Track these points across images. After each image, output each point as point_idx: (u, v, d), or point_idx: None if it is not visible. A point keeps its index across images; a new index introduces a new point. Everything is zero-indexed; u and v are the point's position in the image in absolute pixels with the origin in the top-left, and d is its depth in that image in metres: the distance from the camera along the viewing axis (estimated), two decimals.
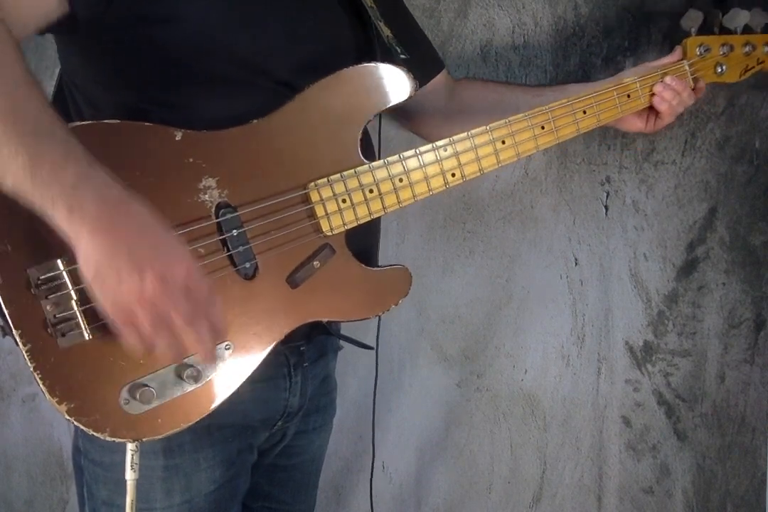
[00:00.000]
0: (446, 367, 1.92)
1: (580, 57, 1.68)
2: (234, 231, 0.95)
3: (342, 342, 1.25)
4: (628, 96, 1.22)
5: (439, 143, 1.08)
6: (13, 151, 0.78)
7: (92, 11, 0.92)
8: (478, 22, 1.78)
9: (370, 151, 1.07)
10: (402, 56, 1.13)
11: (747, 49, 1.32)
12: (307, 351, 1.15)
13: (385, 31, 1.14)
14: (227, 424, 1.03)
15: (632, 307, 1.71)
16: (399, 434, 1.99)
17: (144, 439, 0.91)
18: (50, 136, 0.81)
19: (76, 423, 0.87)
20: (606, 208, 1.71)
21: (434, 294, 1.90)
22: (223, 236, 0.94)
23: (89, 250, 0.79)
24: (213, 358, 0.86)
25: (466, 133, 1.09)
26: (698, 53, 1.29)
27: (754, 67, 1.35)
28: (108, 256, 0.79)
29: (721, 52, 1.31)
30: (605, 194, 1.71)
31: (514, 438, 1.87)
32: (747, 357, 1.62)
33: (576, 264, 1.75)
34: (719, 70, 1.31)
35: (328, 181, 1.01)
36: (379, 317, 1.19)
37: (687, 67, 1.27)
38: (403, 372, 1.97)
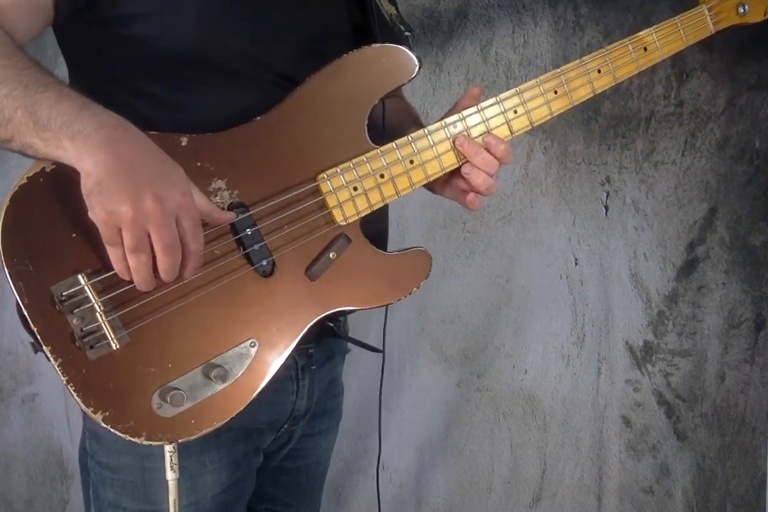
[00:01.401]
0: (446, 367, 1.92)
1: (580, 57, 1.67)
2: (248, 230, 0.95)
3: (349, 345, 1.24)
4: (645, 49, 1.14)
5: (449, 120, 1.04)
6: (11, 109, 0.82)
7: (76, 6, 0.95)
8: (478, 22, 1.78)
9: (378, 135, 1.06)
10: (406, 34, 1.11)
11: None
12: (315, 353, 1.14)
13: (389, 10, 1.12)
14: (234, 426, 1.03)
15: (632, 307, 1.71)
16: (399, 434, 1.99)
17: (180, 440, 0.92)
18: (38, 84, 0.84)
19: (112, 430, 0.88)
20: (606, 208, 1.71)
21: (434, 294, 1.90)
22: (238, 236, 0.94)
23: (91, 166, 0.80)
24: (174, 274, 0.85)
25: (475, 107, 1.05)
26: None
27: None
28: (109, 171, 0.80)
29: None
30: (605, 194, 1.71)
31: (514, 438, 1.87)
32: (747, 357, 1.62)
33: (576, 264, 1.76)
34: (741, 10, 1.23)
35: (338, 170, 1.00)
36: (385, 320, 1.19)
37: (706, 12, 1.20)
38: (403, 372, 1.97)
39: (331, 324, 1.09)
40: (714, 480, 1.67)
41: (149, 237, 0.81)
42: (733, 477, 1.66)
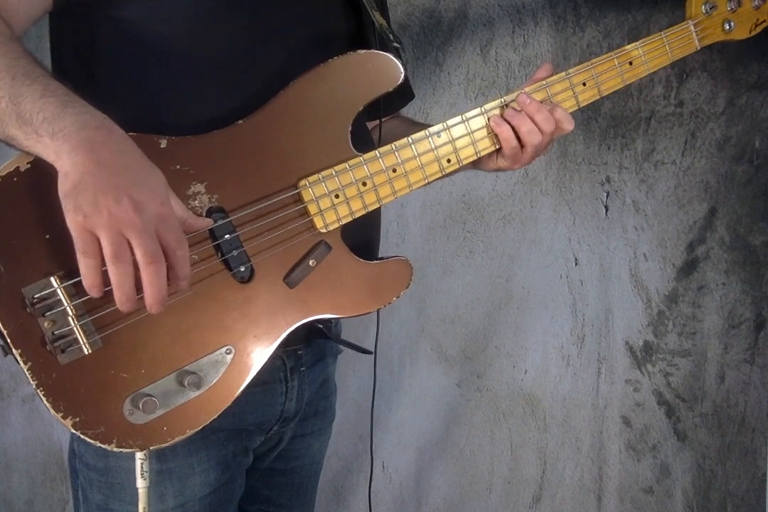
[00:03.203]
0: (446, 367, 1.92)
1: (580, 57, 1.68)
2: (227, 235, 0.93)
3: (341, 346, 1.24)
4: (630, 63, 1.14)
5: (433, 129, 1.03)
6: None
7: None
8: (478, 22, 1.78)
9: (363, 143, 1.05)
10: (395, 45, 1.10)
11: (756, 2, 1.25)
12: (304, 354, 1.14)
13: (379, 20, 1.12)
14: (222, 428, 1.02)
15: (632, 307, 1.71)
16: (399, 434, 1.99)
17: (151, 448, 0.91)
18: (26, 76, 0.83)
19: (82, 436, 0.87)
20: (606, 208, 1.71)
21: (434, 294, 1.90)
22: (217, 242, 0.93)
23: (68, 166, 0.78)
24: (160, 303, 0.82)
25: (460, 117, 1.05)
26: (704, 11, 1.20)
27: (765, 21, 1.27)
28: (87, 173, 0.78)
29: (729, 8, 1.23)
30: (605, 194, 1.71)
31: (514, 438, 1.87)
32: (747, 357, 1.62)
33: (576, 264, 1.75)
34: (727, 27, 1.23)
35: (320, 177, 0.99)
36: (378, 321, 1.18)
37: (692, 28, 1.19)
38: (403, 373, 1.97)
39: (321, 326, 1.09)
40: (714, 480, 1.67)
41: (129, 246, 0.78)
42: (733, 477, 1.66)
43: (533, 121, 1.05)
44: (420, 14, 1.82)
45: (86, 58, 1.01)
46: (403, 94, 1.27)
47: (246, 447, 1.11)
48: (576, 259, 1.75)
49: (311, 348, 1.15)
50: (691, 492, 1.70)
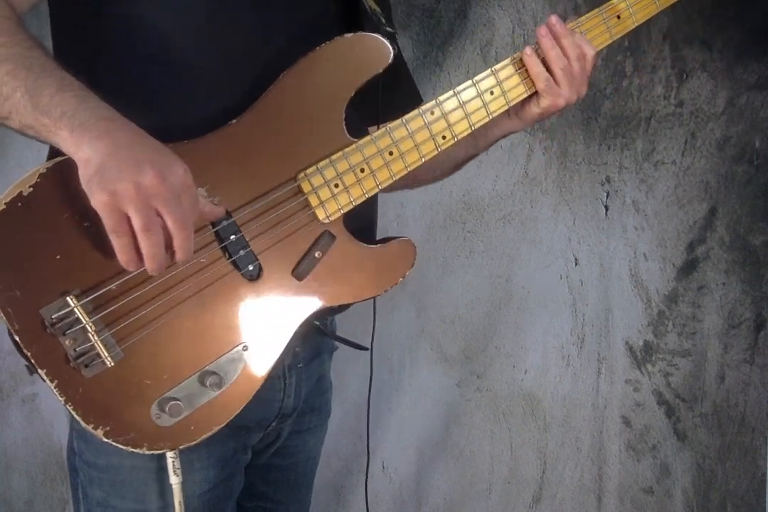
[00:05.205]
0: (446, 367, 1.92)
1: None
2: (232, 236, 0.94)
3: (338, 343, 1.24)
4: (618, 17, 1.11)
5: (425, 107, 1.02)
6: (11, 87, 0.83)
7: None
8: (478, 22, 1.78)
9: (357, 129, 1.05)
10: (387, 29, 1.09)
11: None
12: (301, 351, 1.14)
13: (372, 5, 1.11)
14: None
15: (632, 307, 1.71)
16: (399, 434, 1.99)
17: (181, 447, 0.93)
18: (42, 68, 0.84)
19: (114, 443, 0.90)
20: (606, 208, 1.71)
21: (434, 294, 1.90)
22: (223, 243, 0.94)
23: (90, 153, 0.80)
24: (187, 262, 0.86)
25: (452, 91, 1.03)
26: None
27: None
28: (108, 154, 0.79)
29: None
30: (605, 194, 1.71)
31: (514, 438, 1.87)
32: (747, 357, 1.62)
33: (576, 264, 1.76)
34: None
35: (317, 168, 0.99)
36: (374, 319, 1.19)
37: None
38: (403, 372, 1.97)
39: (317, 323, 1.09)
40: (714, 480, 1.67)
41: (158, 215, 0.80)
42: (733, 477, 1.66)
43: (560, 46, 1.08)
44: (420, 14, 1.82)
45: (87, 54, 1.01)
46: (410, 96, 1.27)
47: (245, 444, 1.12)
48: (576, 259, 1.75)
49: (308, 345, 1.15)
50: (691, 492, 1.70)
